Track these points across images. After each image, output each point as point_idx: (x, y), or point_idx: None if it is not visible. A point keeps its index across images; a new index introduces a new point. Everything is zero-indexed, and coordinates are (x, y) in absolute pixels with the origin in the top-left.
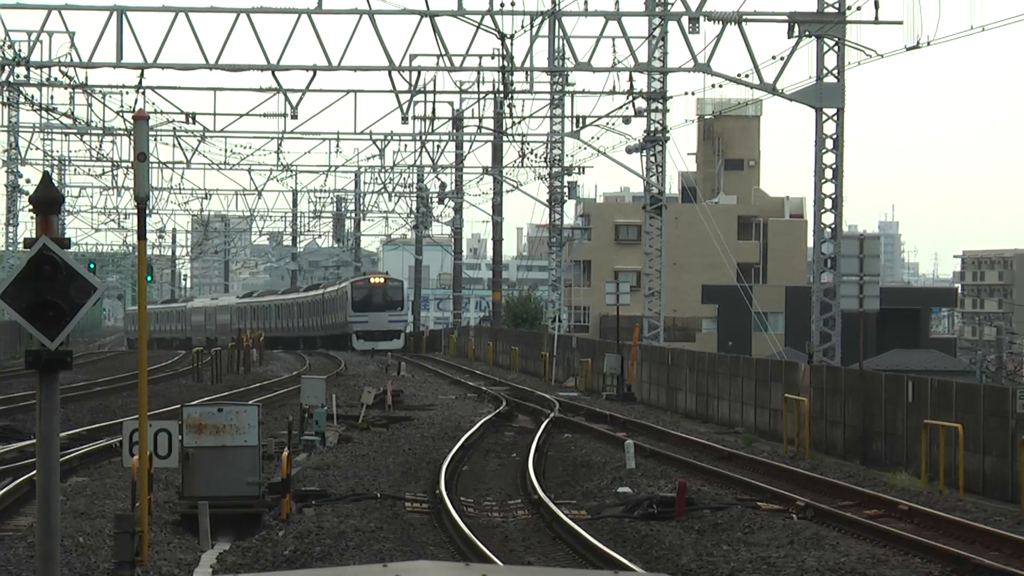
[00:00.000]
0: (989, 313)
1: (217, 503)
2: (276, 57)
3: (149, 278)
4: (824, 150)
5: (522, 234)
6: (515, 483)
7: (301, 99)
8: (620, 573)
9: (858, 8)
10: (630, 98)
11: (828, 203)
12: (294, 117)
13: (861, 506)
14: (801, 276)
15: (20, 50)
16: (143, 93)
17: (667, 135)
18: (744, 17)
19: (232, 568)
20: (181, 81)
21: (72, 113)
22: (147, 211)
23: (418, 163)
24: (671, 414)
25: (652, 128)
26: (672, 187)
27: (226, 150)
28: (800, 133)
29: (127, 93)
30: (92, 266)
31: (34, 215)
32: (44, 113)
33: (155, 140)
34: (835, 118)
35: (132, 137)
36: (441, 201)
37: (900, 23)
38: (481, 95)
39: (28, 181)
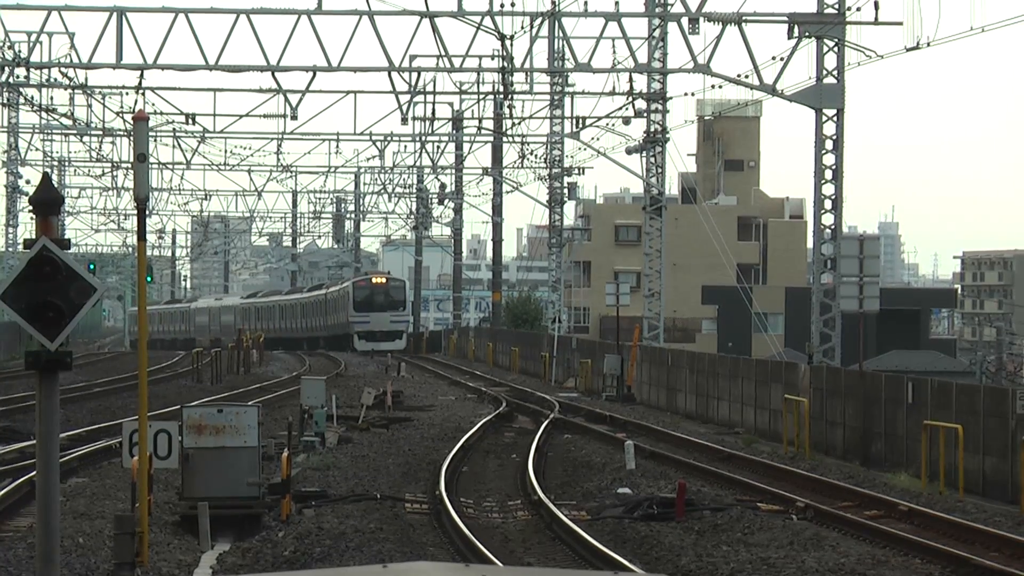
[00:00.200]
0: (989, 314)
1: (217, 504)
2: (276, 58)
3: (149, 279)
4: (824, 151)
5: (522, 235)
6: (515, 484)
7: (301, 100)
8: (620, 574)
9: (858, 9)
10: (630, 99)
11: (828, 204)
12: (294, 118)
13: (861, 507)
14: (801, 277)
15: (20, 51)
16: (143, 94)
17: (667, 136)
18: (744, 18)
19: (232, 569)
20: (181, 82)
21: (72, 114)
22: (147, 212)
23: (418, 164)
24: (671, 415)
25: (652, 129)
26: (672, 188)
27: (226, 151)
28: (800, 134)
29: (127, 94)
30: (92, 267)
31: (34, 216)
32: (44, 114)
33: (155, 141)
34: (835, 119)
35: (132, 138)
36: (441, 202)
37: (900, 24)
38: (481, 96)
39: (28, 182)
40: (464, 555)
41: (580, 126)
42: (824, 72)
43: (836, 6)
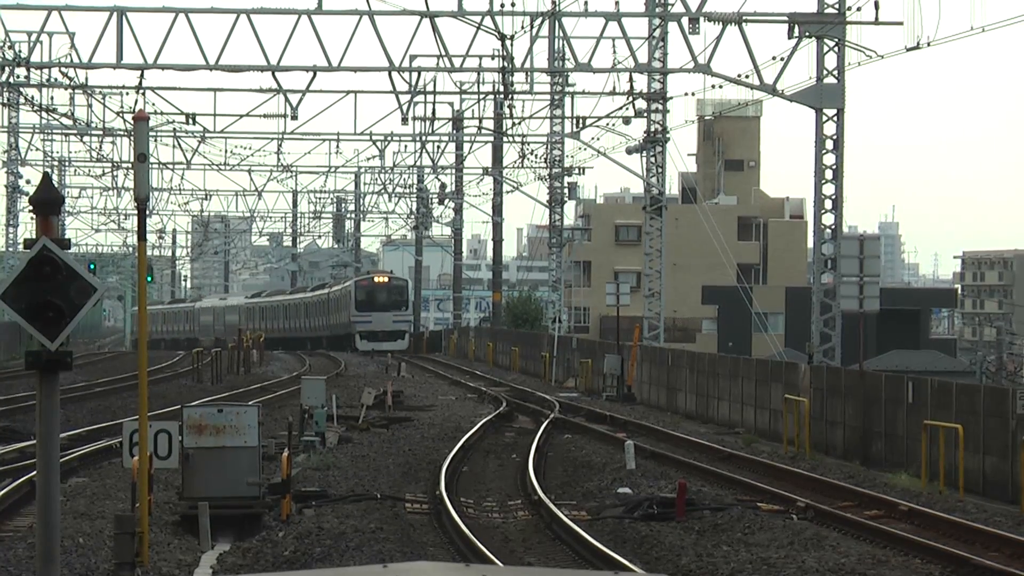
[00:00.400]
0: (989, 314)
1: (217, 504)
2: (276, 58)
3: (149, 279)
4: (824, 151)
5: (522, 235)
6: (515, 484)
7: (301, 100)
8: (620, 574)
9: (858, 9)
10: (630, 99)
11: (828, 204)
12: (294, 118)
13: (861, 507)
14: (801, 277)
15: (20, 51)
16: (143, 94)
17: (667, 136)
18: (744, 18)
19: (232, 569)
20: (181, 82)
21: (72, 114)
22: (147, 212)
23: (418, 164)
24: (671, 415)
25: (652, 129)
26: (672, 188)
27: (226, 151)
28: (800, 134)
29: (127, 94)
30: (92, 267)
31: (34, 216)
32: (44, 114)
33: (155, 141)
34: (835, 119)
35: (132, 138)
36: (441, 202)
37: (900, 24)
38: (481, 96)
39: (28, 182)
40: (464, 555)
41: (580, 126)
42: (824, 72)
43: (836, 6)
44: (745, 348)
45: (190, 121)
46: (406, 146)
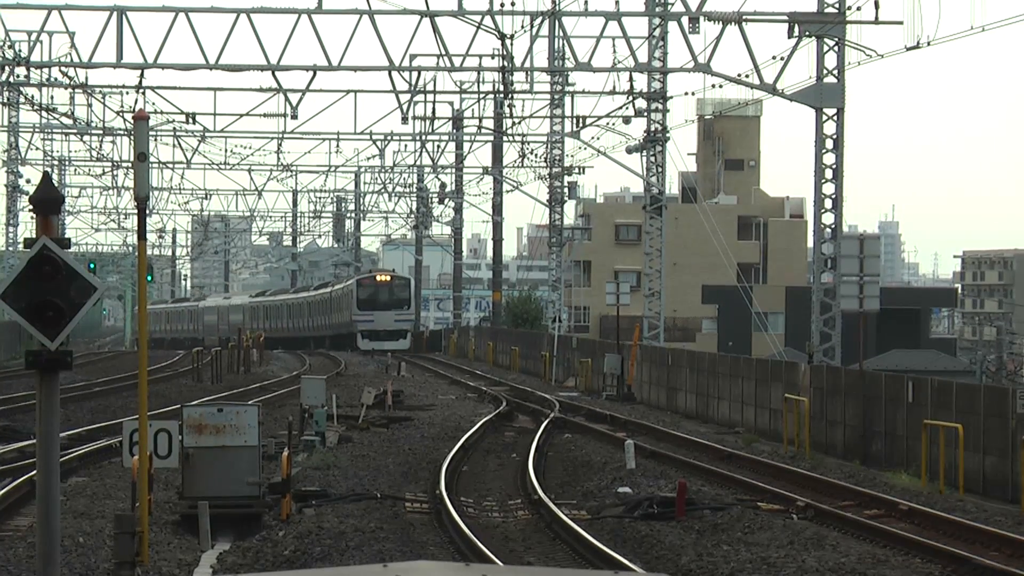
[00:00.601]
0: (989, 313)
1: (217, 503)
2: (276, 57)
3: (149, 278)
4: (824, 150)
5: (522, 234)
6: (515, 483)
7: (301, 99)
8: (620, 573)
9: (858, 8)
10: (630, 98)
11: (828, 203)
12: (294, 117)
13: (861, 506)
14: (801, 276)
15: (20, 50)
16: (143, 93)
17: (667, 135)
18: (744, 17)
19: (232, 568)
20: (181, 81)
21: (72, 113)
22: (147, 211)
23: (418, 163)
24: (671, 414)
25: (652, 128)
26: (672, 187)
27: (226, 150)
28: (800, 133)
29: (127, 93)
30: (92, 266)
31: (34, 215)
32: (44, 113)
33: (155, 140)
34: (835, 118)
35: (132, 137)
36: (441, 201)
37: (900, 23)
38: (481, 95)
39: (28, 181)
40: (464, 554)
41: (580, 125)
42: (824, 71)
43: (836, 5)
44: (745, 348)
45: (190, 120)
46: (406, 145)
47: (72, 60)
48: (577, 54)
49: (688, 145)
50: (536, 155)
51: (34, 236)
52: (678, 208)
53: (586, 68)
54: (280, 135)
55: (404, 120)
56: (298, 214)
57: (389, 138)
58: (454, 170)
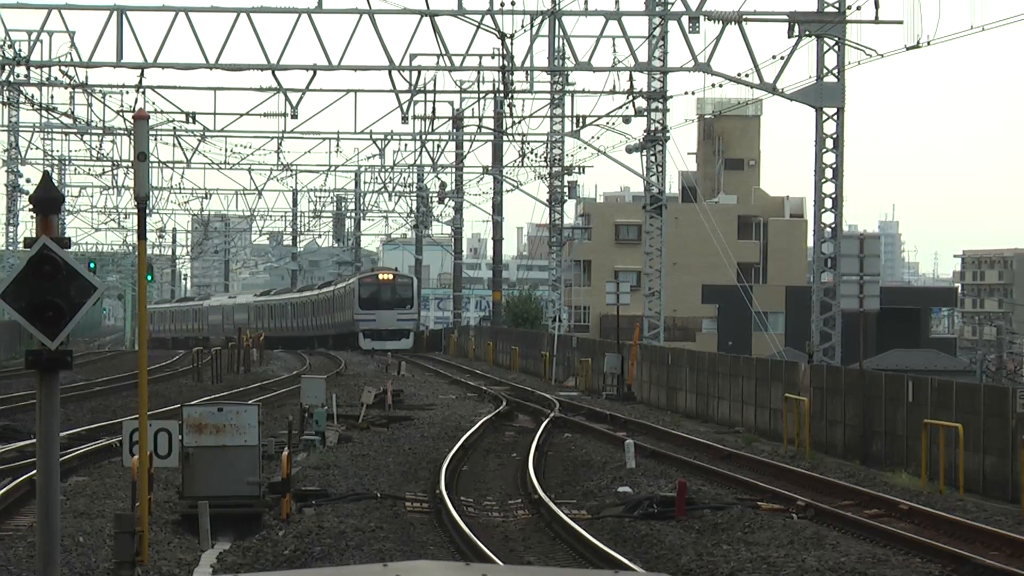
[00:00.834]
0: (989, 313)
1: (217, 503)
2: (276, 57)
3: (149, 278)
4: (824, 150)
5: (522, 234)
6: (515, 483)
7: (301, 99)
8: (620, 573)
9: (858, 8)
10: (630, 98)
11: (828, 203)
12: (294, 117)
13: (861, 506)
14: (801, 276)
15: (20, 50)
16: (143, 93)
17: (667, 135)
18: (744, 17)
19: (232, 568)
20: (181, 81)
21: (72, 113)
22: (147, 211)
23: (418, 163)
24: (671, 414)
25: (652, 128)
26: (672, 187)
27: (226, 150)
28: (800, 133)
29: (127, 93)
30: (92, 266)
31: (34, 215)
32: (44, 113)
33: (155, 140)
34: (835, 118)
35: (132, 137)
36: (441, 201)
37: (900, 23)
38: (481, 95)
39: (28, 181)
40: (464, 554)
41: (580, 125)
42: (824, 71)
43: (836, 5)
44: (745, 347)
45: (190, 120)
46: (406, 145)
47: (72, 60)
48: (577, 53)
49: (688, 145)
50: (536, 155)
51: (34, 236)
52: (678, 208)
53: (586, 68)
54: (280, 135)
55: (404, 120)
56: (298, 214)
57: (389, 138)
58: (454, 170)
